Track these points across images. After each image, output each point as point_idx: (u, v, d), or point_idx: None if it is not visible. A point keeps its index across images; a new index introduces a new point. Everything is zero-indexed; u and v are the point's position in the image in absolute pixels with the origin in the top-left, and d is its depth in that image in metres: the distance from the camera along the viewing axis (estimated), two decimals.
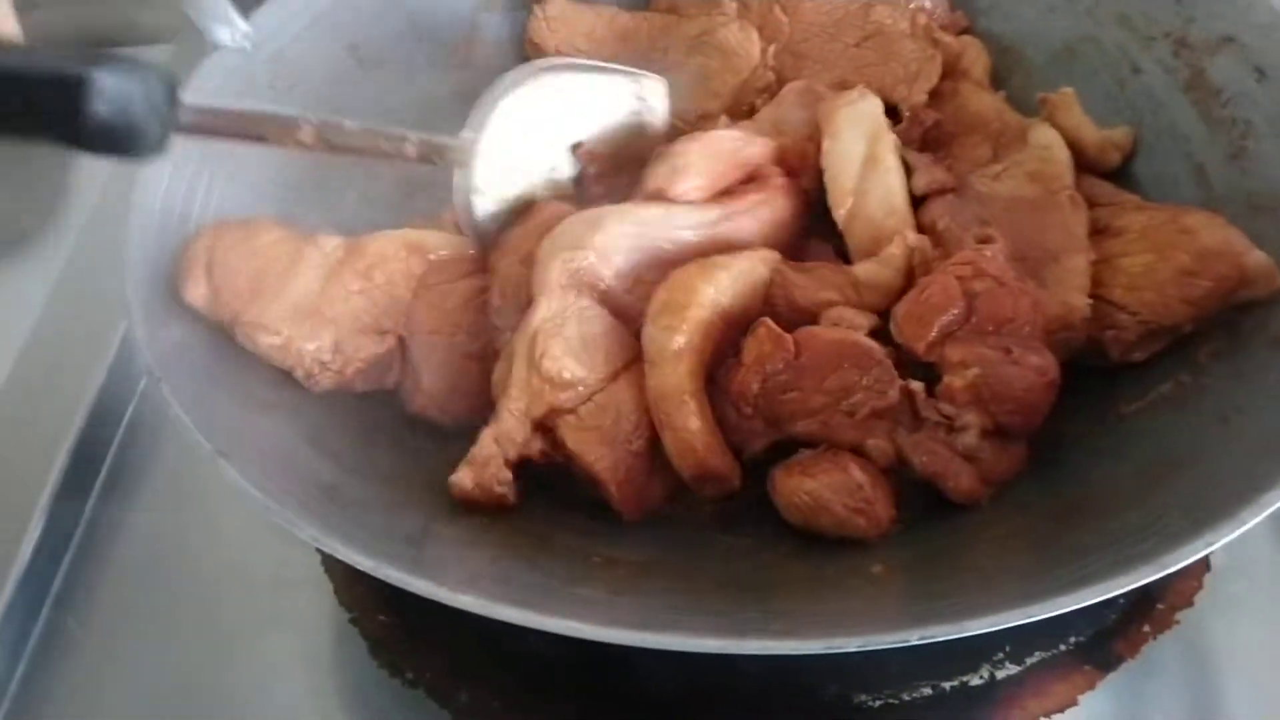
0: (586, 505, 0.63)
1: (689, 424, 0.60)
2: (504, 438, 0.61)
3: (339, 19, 0.84)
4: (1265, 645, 0.68)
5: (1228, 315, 0.64)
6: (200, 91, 0.72)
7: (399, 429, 0.67)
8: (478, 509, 0.61)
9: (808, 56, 0.87)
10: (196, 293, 0.64)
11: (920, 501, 0.62)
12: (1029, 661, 0.65)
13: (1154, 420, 0.62)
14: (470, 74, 0.88)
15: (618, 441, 0.62)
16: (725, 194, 0.70)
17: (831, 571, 0.57)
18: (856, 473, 0.60)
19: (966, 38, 0.86)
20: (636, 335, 0.64)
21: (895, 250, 0.67)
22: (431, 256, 0.70)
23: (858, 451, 0.62)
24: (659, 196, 0.69)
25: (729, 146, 0.71)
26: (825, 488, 0.60)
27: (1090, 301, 0.65)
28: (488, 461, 0.61)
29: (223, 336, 0.65)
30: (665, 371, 0.61)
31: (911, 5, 0.87)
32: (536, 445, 0.62)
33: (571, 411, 0.62)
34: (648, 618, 0.48)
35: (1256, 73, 0.70)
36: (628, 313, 0.65)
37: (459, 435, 0.64)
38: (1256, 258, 0.63)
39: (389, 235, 0.70)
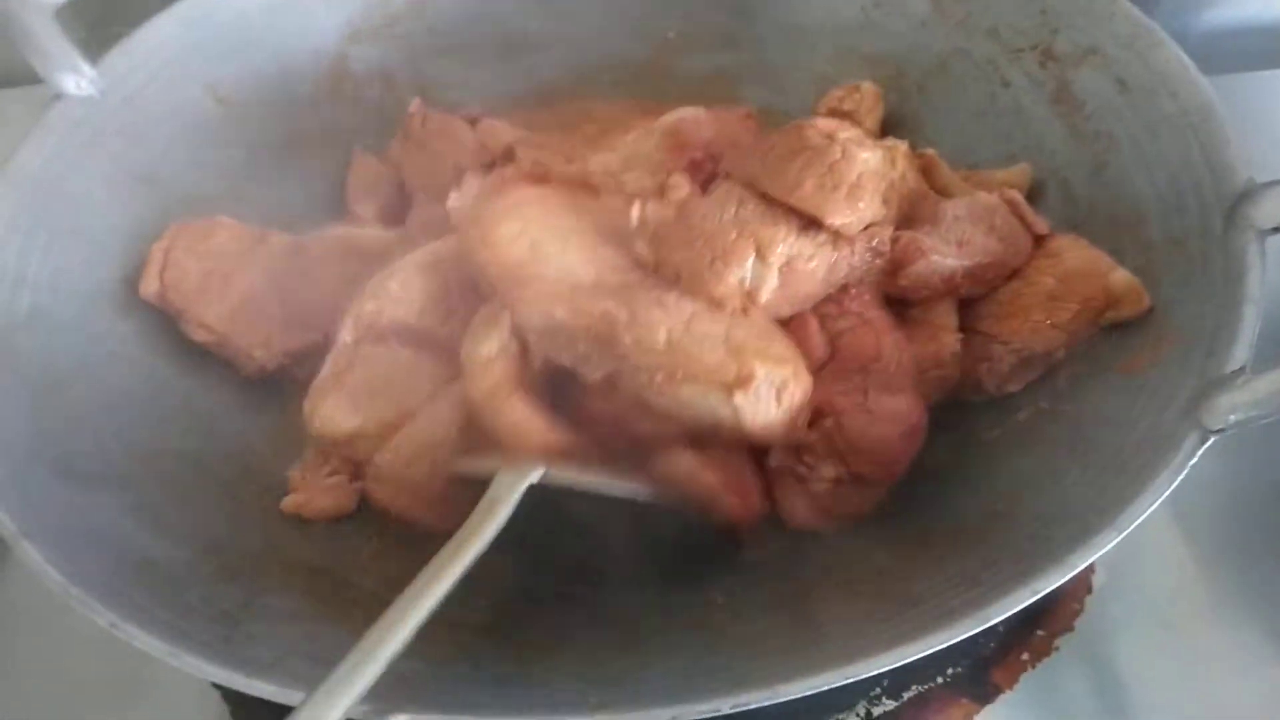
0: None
1: (514, 414, 0.57)
2: (309, 469, 0.65)
3: (195, 59, 0.80)
4: (1153, 664, 0.67)
5: (1093, 340, 0.62)
6: (42, 146, 0.69)
7: (235, 482, 0.65)
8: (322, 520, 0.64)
9: None
10: (149, 289, 0.70)
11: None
12: (906, 696, 0.65)
13: (1009, 448, 0.61)
14: (340, 108, 0.87)
15: (421, 483, 0.61)
16: None
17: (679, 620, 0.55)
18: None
19: (866, 85, 0.83)
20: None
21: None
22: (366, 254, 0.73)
23: None
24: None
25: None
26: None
27: (960, 336, 0.63)
28: (300, 485, 0.65)
29: (45, 398, 0.61)
30: (477, 378, 0.58)
31: None
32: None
33: (370, 462, 0.62)
34: (460, 697, 0.46)
35: (1119, 84, 0.69)
36: (448, 344, 0.64)
37: None
38: (1120, 276, 0.61)
39: (331, 235, 0.75)
